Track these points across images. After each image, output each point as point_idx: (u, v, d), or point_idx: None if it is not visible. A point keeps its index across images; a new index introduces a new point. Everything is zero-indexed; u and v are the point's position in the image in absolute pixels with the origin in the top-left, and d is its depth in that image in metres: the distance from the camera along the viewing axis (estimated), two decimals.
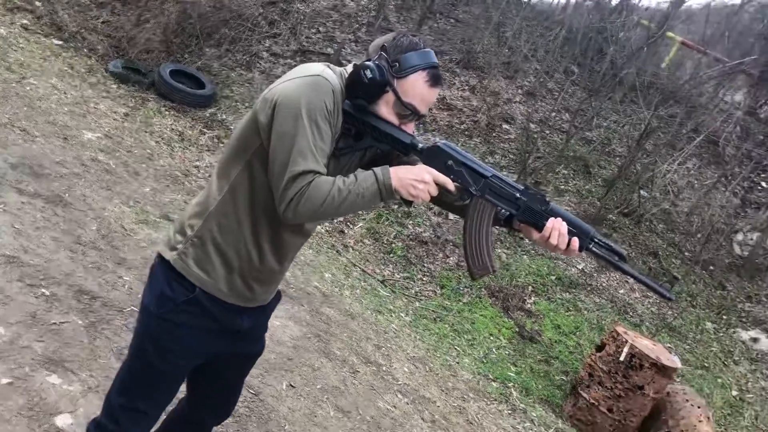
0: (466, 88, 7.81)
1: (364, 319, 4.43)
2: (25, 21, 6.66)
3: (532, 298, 5.41)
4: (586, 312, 5.44)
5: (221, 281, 1.64)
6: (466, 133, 7.15)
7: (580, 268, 5.93)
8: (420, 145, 1.62)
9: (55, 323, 2.82)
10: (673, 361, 4.30)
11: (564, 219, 1.60)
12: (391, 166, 1.57)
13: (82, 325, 2.90)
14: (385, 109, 1.59)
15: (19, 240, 3.26)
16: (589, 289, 5.74)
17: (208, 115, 6.55)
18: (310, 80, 1.53)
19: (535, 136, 7.18)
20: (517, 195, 1.61)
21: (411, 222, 5.84)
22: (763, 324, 6.00)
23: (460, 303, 5.13)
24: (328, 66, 1.61)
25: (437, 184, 1.57)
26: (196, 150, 5.86)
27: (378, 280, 5.07)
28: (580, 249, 1.60)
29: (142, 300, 1.71)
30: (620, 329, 4.37)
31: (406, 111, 1.59)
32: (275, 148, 1.51)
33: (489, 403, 4.17)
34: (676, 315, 5.81)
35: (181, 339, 1.66)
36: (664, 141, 7.80)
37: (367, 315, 4.50)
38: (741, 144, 8.17)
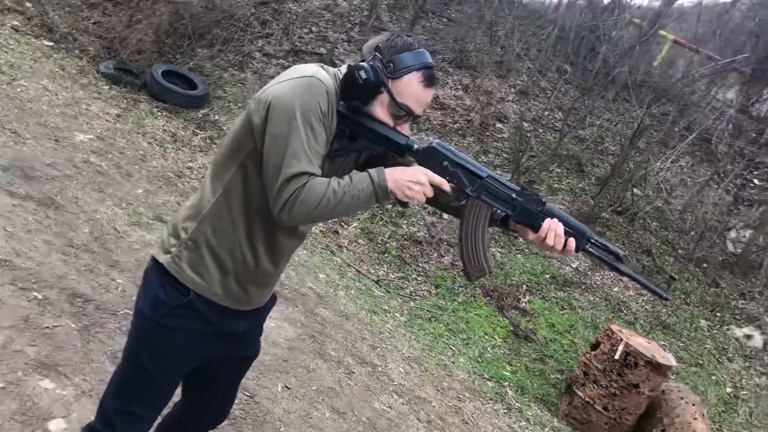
0: (459, 87, 7.81)
1: (359, 319, 4.42)
2: (15, 22, 6.61)
3: (527, 297, 5.41)
4: (580, 310, 5.45)
5: (216, 284, 1.63)
6: (460, 132, 7.15)
7: (575, 266, 5.94)
8: (415, 146, 1.61)
9: (47, 327, 2.79)
10: (667, 358, 4.32)
11: (560, 219, 1.59)
12: (386, 167, 1.56)
13: (75, 328, 2.88)
14: (379, 110, 1.58)
15: (11, 243, 3.23)
16: (583, 287, 5.75)
17: (200, 115, 6.52)
18: (304, 81, 1.51)
19: (529, 134, 7.19)
20: (513, 196, 1.61)
21: (405, 222, 5.83)
22: (757, 321, 6.02)
23: (455, 302, 5.13)
24: (322, 67, 1.59)
25: (433, 185, 1.56)
26: (189, 151, 5.84)
27: (373, 281, 5.06)
28: (577, 250, 1.60)
29: (136, 303, 1.70)
30: (615, 327, 4.38)
31: (401, 112, 1.58)
32: (269, 150, 1.50)
33: (484, 402, 4.17)
34: (670, 313, 5.82)
35: (176, 343, 1.65)
36: (656, 139, 7.83)
37: (361, 315, 4.49)
38: (733, 141, 8.21)
